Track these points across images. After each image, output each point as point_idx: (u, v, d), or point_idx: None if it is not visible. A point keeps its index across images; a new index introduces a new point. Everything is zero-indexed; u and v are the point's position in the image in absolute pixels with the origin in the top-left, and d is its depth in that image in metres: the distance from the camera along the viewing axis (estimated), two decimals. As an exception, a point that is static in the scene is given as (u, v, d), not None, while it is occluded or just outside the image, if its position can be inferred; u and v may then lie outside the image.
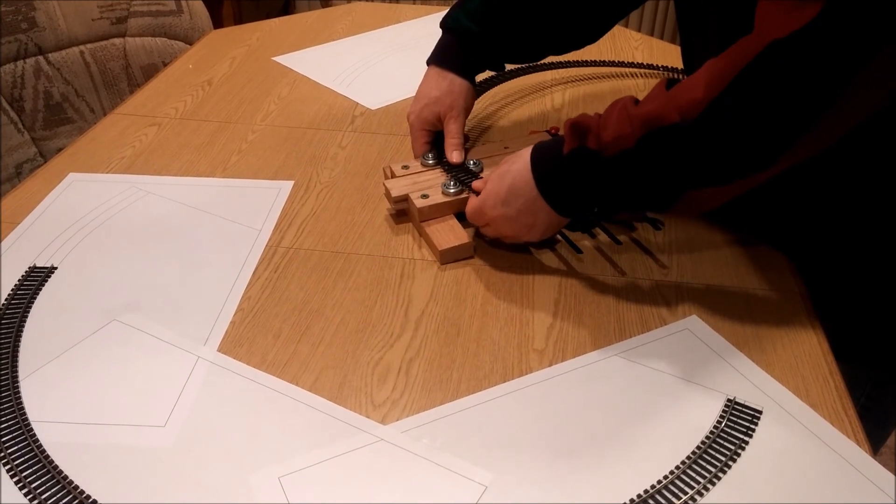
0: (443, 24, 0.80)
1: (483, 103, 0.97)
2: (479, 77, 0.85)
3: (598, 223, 0.71)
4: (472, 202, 0.69)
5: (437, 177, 0.76)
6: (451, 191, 0.73)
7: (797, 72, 0.48)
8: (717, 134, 0.52)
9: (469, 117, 0.88)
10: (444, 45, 0.80)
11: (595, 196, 0.61)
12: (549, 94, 1.02)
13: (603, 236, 0.71)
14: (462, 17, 0.77)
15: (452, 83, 0.78)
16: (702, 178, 0.56)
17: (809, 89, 0.48)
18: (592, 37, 0.84)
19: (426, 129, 0.80)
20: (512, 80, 1.01)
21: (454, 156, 0.77)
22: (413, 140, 0.82)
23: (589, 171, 0.59)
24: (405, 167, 0.79)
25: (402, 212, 0.76)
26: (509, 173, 0.65)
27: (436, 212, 0.73)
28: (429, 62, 0.81)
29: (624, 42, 1.18)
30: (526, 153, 0.65)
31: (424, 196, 0.73)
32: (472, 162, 0.77)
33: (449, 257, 0.70)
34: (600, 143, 0.57)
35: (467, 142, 0.87)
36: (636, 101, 0.57)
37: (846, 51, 0.46)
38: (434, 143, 0.81)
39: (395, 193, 0.74)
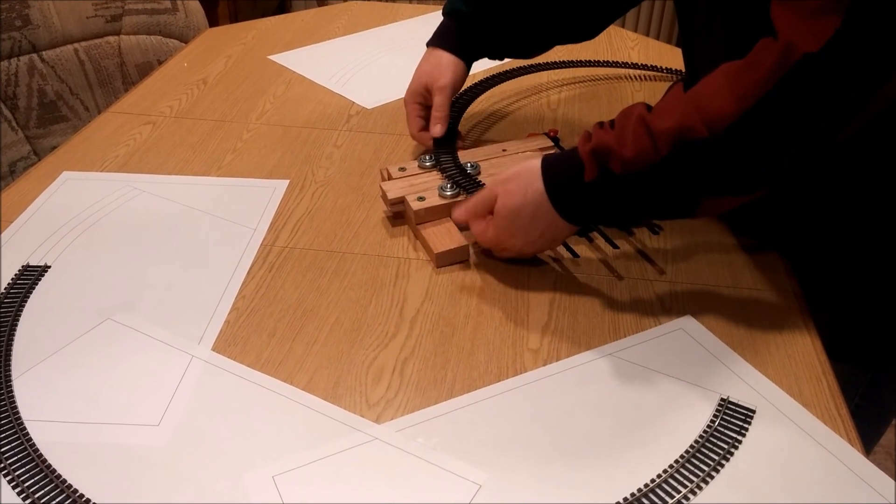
0: (443, 11, 0.83)
1: (480, 105, 0.97)
2: (477, 77, 0.85)
3: (596, 228, 0.71)
4: (479, 231, 0.67)
5: (434, 179, 0.76)
6: (448, 193, 0.73)
7: (831, 86, 0.48)
8: (748, 146, 0.51)
9: (465, 118, 0.88)
10: (440, 27, 0.83)
11: (620, 213, 0.61)
12: (546, 95, 1.02)
13: (599, 239, 0.71)
14: (457, 1, 0.80)
15: (441, 58, 0.80)
16: (728, 189, 0.55)
17: (842, 102, 0.48)
18: (589, 31, 0.84)
19: (417, 101, 0.82)
20: (508, 82, 1.01)
21: (436, 129, 0.79)
22: (407, 115, 0.83)
23: (614, 193, 0.58)
24: (402, 169, 0.78)
25: (399, 214, 0.76)
26: (525, 208, 0.62)
27: (432, 214, 0.73)
28: (427, 45, 0.83)
29: (620, 42, 1.19)
30: (533, 179, 0.62)
31: (421, 198, 0.73)
32: (469, 164, 0.77)
33: (445, 260, 0.70)
34: (623, 164, 0.55)
35: (463, 142, 0.87)
36: (649, 108, 0.56)
37: (874, 61, 0.46)
38: (432, 147, 0.81)
39: (391, 196, 0.74)
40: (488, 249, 0.70)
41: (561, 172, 0.61)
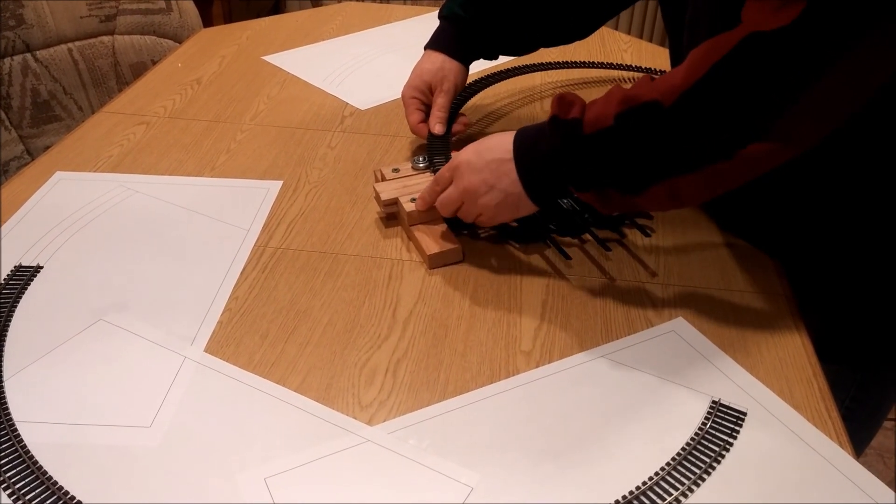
0: (439, 14, 0.85)
1: (471, 107, 0.98)
2: (471, 78, 0.85)
3: (587, 229, 0.71)
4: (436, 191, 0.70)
5: (427, 180, 0.76)
6: (441, 193, 0.73)
7: (772, 65, 0.49)
8: (690, 118, 0.53)
9: (458, 121, 0.88)
10: (438, 31, 0.84)
11: (565, 170, 0.60)
12: (539, 98, 1.02)
13: (592, 241, 0.72)
14: (454, 6, 0.82)
15: (444, 61, 0.82)
16: (673, 163, 0.56)
17: (780, 83, 0.49)
18: (582, 31, 0.86)
19: (416, 96, 0.83)
20: (500, 84, 1.01)
21: (437, 128, 0.81)
22: (406, 108, 0.84)
23: (566, 140, 0.59)
24: (395, 170, 0.79)
25: (392, 215, 0.76)
26: (493, 136, 0.66)
27: (425, 216, 0.73)
28: (425, 47, 0.85)
29: (613, 44, 1.19)
30: (496, 137, 0.66)
31: (414, 200, 0.73)
32: None
33: (437, 262, 0.70)
34: (584, 119, 0.58)
35: (469, 122, 0.88)
36: None
37: (821, 49, 0.48)
38: (426, 147, 0.82)
39: (384, 197, 0.74)
40: (448, 206, 0.69)
41: (531, 127, 0.64)
